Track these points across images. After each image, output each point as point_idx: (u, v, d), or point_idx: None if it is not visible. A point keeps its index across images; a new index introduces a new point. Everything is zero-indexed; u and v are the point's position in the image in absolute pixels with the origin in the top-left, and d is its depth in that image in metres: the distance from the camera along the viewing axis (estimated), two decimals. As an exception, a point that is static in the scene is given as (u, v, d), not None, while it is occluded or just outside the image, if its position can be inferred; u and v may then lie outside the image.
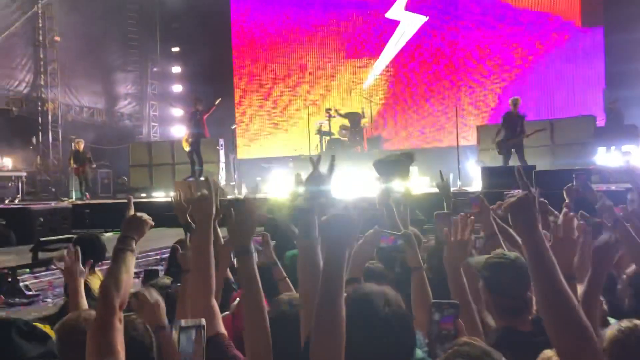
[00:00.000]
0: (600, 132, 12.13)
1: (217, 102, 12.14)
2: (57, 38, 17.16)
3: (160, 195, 13.90)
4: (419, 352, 1.82)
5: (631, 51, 13.31)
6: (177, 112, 18.28)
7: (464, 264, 2.92)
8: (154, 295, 2.26)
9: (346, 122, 14.05)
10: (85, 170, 13.50)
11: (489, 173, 9.56)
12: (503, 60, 15.54)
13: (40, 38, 17.31)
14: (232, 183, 14.99)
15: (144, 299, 2.22)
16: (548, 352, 1.82)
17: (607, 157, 11.83)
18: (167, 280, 2.57)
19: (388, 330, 1.59)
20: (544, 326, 1.65)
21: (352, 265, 2.61)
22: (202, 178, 12.09)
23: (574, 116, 12.97)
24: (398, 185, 8.40)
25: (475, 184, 10.25)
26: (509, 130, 10.76)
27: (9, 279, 4.66)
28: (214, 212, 2.17)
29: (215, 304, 2.08)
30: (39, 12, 17.08)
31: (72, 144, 14.15)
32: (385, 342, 1.59)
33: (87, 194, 13.36)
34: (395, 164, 9.21)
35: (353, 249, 2.74)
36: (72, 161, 13.88)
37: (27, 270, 5.07)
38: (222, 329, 2.07)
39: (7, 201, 13.74)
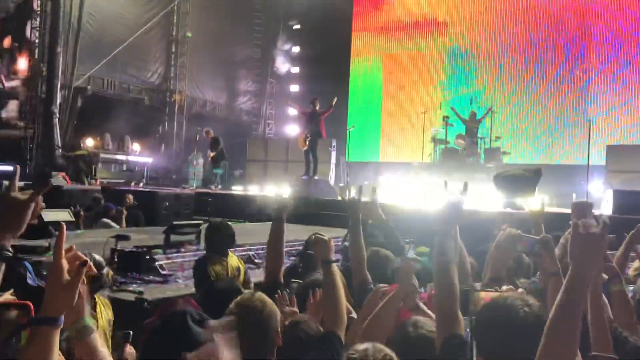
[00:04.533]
0: None
1: (334, 103, 12.29)
2: (188, 34, 18.19)
3: (273, 190, 14.26)
4: None
5: None
6: (292, 111, 18.72)
7: (617, 291, 2.77)
8: (326, 235, 2.63)
9: (462, 130, 13.66)
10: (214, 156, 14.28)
11: (621, 196, 8.87)
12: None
13: (174, 33, 18.43)
14: (340, 185, 15.09)
15: (318, 238, 2.58)
16: None
17: None
18: (320, 277, 2.60)
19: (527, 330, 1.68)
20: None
21: (493, 266, 2.83)
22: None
23: None
24: (523, 202, 8.02)
25: (604, 208, 9.56)
26: None
27: (147, 257, 4.96)
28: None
29: None
30: (175, 8, 18.20)
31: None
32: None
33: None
34: (519, 180, 8.84)
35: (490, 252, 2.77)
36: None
37: (160, 251, 5.36)
38: None
39: (132, 184, 14.74)
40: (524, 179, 8.60)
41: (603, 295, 2.37)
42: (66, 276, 1.34)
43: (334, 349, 2.12)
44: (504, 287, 2.08)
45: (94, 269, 1.51)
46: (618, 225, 6.47)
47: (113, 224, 8.63)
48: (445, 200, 2.16)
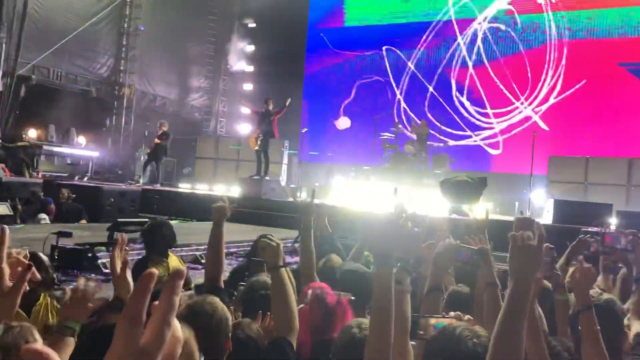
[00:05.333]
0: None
1: (287, 103, 12.30)
2: (140, 26, 17.79)
3: (221, 189, 14.13)
4: None
5: None
6: (245, 110, 18.57)
7: (561, 300, 2.88)
8: (275, 240, 2.57)
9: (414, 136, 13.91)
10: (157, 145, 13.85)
11: (561, 206, 9.23)
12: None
13: (125, 25, 17.98)
14: (292, 186, 15.08)
15: (267, 244, 2.52)
16: None
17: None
18: (267, 279, 2.58)
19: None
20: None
21: (433, 275, 2.86)
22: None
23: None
24: (467, 209, 8.24)
25: (545, 216, 9.92)
26: None
27: (89, 255, 4.81)
28: None
29: None
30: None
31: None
32: None
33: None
34: (464, 187, 9.06)
35: (431, 259, 2.84)
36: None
37: (104, 248, 5.20)
38: None
39: (76, 178, 14.27)
40: (469, 186, 8.82)
41: (538, 307, 2.46)
42: (7, 282, 1.25)
43: (285, 354, 2.11)
44: (452, 314, 2.10)
45: (37, 275, 1.42)
46: (558, 234, 6.75)
47: (48, 219, 8.33)
48: (405, 232, 2.10)
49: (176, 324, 0.70)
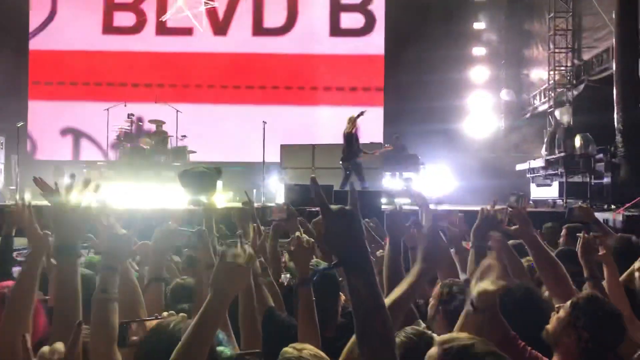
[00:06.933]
0: (387, 160, 13.40)
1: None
2: None
3: None
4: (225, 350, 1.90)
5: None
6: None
7: (265, 282, 3.12)
8: None
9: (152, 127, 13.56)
10: None
11: (290, 190, 9.96)
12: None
13: None
14: (11, 187, 13.49)
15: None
16: None
17: (392, 182, 13.16)
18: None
19: None
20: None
21: (153, 264, 2.83)
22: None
23: (366, 142, 14.02)
24: (205, 199, 8.37)
25: (278, 200, 10.60)
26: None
27: None
28: None
29: None
30: None
31: None
32: None
33: None
34: (201, 178, 9.14)
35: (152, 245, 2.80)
36: None
37: None
38: None
39: None
40: (205, 176, 8.93)
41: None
42: None
43: None
44: (165, 314, 2.08)
45: None
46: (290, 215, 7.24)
47: None
48: (111, 235, 2.10)
49: None
